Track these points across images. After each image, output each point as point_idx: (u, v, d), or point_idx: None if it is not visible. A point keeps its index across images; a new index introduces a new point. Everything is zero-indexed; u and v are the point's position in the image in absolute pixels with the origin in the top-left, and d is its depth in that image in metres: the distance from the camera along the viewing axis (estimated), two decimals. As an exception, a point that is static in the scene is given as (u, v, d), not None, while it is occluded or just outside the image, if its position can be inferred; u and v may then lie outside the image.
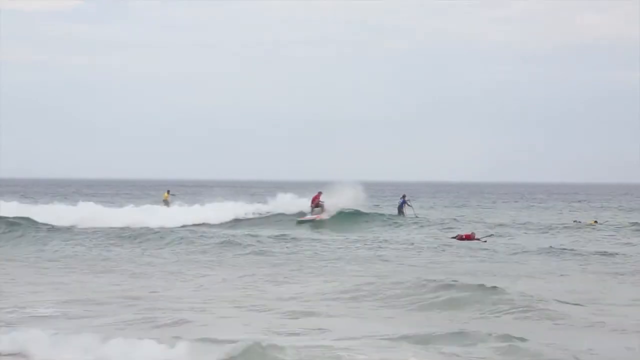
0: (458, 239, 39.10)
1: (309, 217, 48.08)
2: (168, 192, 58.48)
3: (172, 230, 39.26)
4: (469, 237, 39.18)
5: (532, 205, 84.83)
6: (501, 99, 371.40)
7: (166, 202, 52.98)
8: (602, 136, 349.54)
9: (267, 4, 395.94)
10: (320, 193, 48.71)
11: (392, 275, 24.08)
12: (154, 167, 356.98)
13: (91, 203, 51.83)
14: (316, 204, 48.35)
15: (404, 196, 55.81)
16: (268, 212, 50.25)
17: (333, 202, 48.69)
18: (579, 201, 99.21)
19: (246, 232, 40.30)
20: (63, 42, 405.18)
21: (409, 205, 54.35)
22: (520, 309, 18.15)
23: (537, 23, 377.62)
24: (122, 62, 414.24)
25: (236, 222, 48.24)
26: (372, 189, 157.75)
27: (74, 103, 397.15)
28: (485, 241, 38.25)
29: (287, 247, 33.75)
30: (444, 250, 33.21)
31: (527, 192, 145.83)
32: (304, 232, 42.93)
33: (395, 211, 57.28)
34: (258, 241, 35.38)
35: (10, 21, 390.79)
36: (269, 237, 37.56)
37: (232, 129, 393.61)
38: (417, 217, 51.87)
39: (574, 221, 52.39)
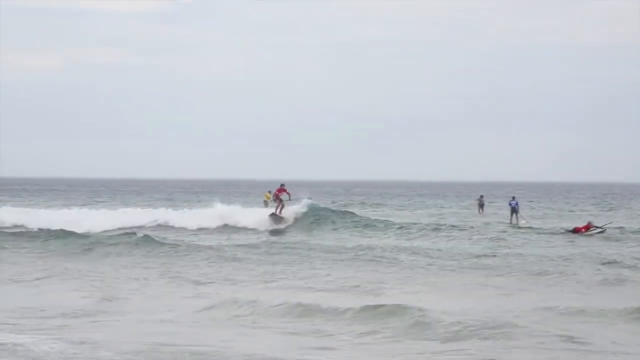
0: (576, 232, 41.65)
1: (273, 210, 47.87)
2: (270, 192, 58.22)
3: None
4: (587, 228, 41.72)
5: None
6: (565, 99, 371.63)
7: (266, 203, 53.55)
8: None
9: (349, 4, 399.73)
10: (282, 185, 48.25)
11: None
12: (236, 167, 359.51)
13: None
14: (276, 196, 47.94)
15: (513, 197, 55.69)
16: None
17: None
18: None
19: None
20: (150, 42, 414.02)
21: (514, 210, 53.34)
22: None
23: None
24: (204, 62, 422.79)
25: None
26: (455, 188, 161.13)
27: (153, 102, 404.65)
28: (604, 230, 40.89)
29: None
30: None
31: (602, 193, 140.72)
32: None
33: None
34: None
35: (99, 22, 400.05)
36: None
37: (313, 129, 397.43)
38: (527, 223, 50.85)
39: None
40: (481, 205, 65.07)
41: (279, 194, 47.69)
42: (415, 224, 47.41)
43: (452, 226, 46.01)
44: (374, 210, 68.86)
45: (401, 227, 45.29)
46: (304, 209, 48.56)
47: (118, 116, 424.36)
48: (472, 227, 46.14)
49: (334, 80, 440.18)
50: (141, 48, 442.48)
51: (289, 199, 47.81)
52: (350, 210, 56.08)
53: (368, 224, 46.66)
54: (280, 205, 47.61)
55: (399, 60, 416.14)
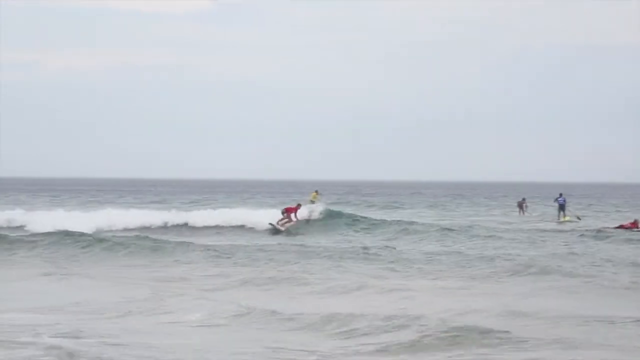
0: (621, 228, 41.91)
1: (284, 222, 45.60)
2: (316, 191, 58.06)
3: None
4: (634, 225, 42.14)
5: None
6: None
7: (312, 202, 52.51)
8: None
9: (397, 4, 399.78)
10: (299, 205, 46.79)
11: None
12: (279, 167, 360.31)
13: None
14: (287, 214, 45.92)
15: (560, 194, 56.45)
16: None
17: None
18: None
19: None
20: (193, 43, 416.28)
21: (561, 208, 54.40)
22: None
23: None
24: (250, 62, 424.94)
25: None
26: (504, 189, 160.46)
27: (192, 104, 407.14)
28: None
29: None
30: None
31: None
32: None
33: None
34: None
35: (140, 23, 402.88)
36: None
37: (365, 128, 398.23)
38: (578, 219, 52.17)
39: None
40: (521, 207, 64.56)
41: (290, 212, 45.75)
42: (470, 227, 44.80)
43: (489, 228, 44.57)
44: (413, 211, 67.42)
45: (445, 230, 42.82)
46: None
47: (153, 116, 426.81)
48: (507, 229, 44.78)
49: (372, 80, 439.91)
50: (180, 48, 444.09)
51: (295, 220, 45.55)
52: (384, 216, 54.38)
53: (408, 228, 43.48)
54: (286, 221, 45.33)
55: (438, 59, 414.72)
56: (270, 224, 45.20)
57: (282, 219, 45.39)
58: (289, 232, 43.98)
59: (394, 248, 33.59)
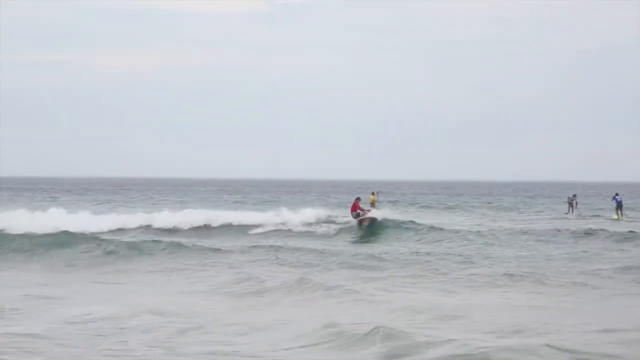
0: None
1: (364, 216, 44.20)
2: (374, 193, 55.48)
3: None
4: None
5: None
6: None
7: (372, 204, 52.18)
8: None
9: (438, 4, 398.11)
10: (358, 199, 45.63)
11: None
12: (329, 167, 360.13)
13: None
14: (356, 210, 44.49)
15: (617, 193, 57.06)
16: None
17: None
18: None
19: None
20: (248, 43, 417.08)
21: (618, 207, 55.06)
22: None
23: None
24: (299, 63, 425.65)
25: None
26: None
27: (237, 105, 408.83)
28: None
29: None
30: None
31: None
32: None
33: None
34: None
35: (192, 24, 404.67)
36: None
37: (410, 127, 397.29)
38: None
39: None
40: (571, 204, 64.03)
41: (355, 210, 44.52)
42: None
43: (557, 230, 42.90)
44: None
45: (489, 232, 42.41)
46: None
47: (197, 117, 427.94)
48: (558, 230, 43.31)
49: (425, 79, 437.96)
50: (234, 48, 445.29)
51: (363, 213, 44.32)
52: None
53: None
54: (362, 218, 44.20)
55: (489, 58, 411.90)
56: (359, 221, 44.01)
57: (360, 218, 44.14)
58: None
59: None
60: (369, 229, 43.21)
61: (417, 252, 33.71)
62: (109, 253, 32.83)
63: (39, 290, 23.21)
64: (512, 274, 24.90)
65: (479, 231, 43.06)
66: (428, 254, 32.92)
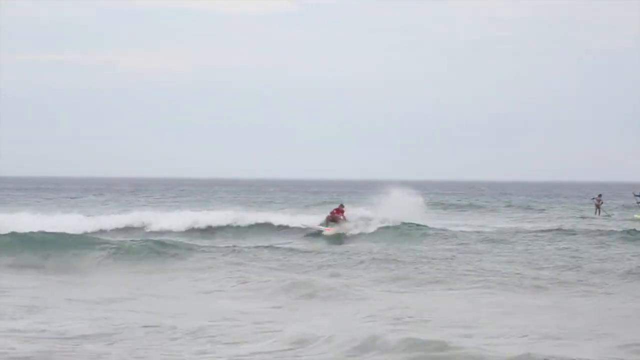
0: None
1: (318, 227, 42.28)
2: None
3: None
4: None
5: None
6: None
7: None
8: None
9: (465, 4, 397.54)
10: (342, 206, 43.17)
11: None
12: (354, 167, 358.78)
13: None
14: (332, 218, 42.24)
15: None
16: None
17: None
18: None
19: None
20: (280, 45, 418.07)
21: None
22: None
23: None
24: (330, 63, 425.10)
25: None
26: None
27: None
28: None
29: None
30: None
31: None
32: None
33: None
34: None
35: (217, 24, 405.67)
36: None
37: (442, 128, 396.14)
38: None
39: None
40: (598, 206, 62.70)
41: (337, 215, 42.37)
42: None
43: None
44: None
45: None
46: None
47: (227, 120, 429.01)
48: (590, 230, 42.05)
49: (454, 78, 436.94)
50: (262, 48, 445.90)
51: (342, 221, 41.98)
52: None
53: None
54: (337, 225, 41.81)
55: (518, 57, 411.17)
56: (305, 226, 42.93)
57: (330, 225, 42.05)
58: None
59: None
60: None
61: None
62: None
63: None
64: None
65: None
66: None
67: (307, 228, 42.69)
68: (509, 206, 79.18)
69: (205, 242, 36.46)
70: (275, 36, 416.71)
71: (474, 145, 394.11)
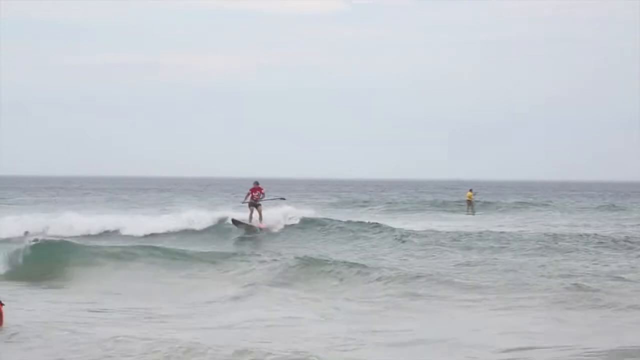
0: None
1: (247, 221, 37.33)
2: (471, 190, 53.53)
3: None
4: None
5: None
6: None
7: (469, 202, 47.80)
8: None
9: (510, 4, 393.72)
10: (257, 183, 37.18)
11: None
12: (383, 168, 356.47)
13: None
14: (254, 198, 37.03)
15: None
16: None
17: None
18: None
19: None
20: (330, 44, 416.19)
21: None
22: None
23: None
24: (380, 63, 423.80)
25: None
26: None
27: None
28: None
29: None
30: None
31: None
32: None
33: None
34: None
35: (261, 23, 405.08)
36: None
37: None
38: None
39: None
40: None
41: (260, 193, 37.14)
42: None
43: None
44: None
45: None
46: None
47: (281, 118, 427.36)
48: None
49: (494, 78, 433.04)
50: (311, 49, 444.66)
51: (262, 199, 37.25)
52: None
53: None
54: (257, 211, 37.08)
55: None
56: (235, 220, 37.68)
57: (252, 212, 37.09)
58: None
59: None
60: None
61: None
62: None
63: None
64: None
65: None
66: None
67: (238, 224, 37.39)
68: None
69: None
70: (327, 36, 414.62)
71: (524, 145, 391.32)
